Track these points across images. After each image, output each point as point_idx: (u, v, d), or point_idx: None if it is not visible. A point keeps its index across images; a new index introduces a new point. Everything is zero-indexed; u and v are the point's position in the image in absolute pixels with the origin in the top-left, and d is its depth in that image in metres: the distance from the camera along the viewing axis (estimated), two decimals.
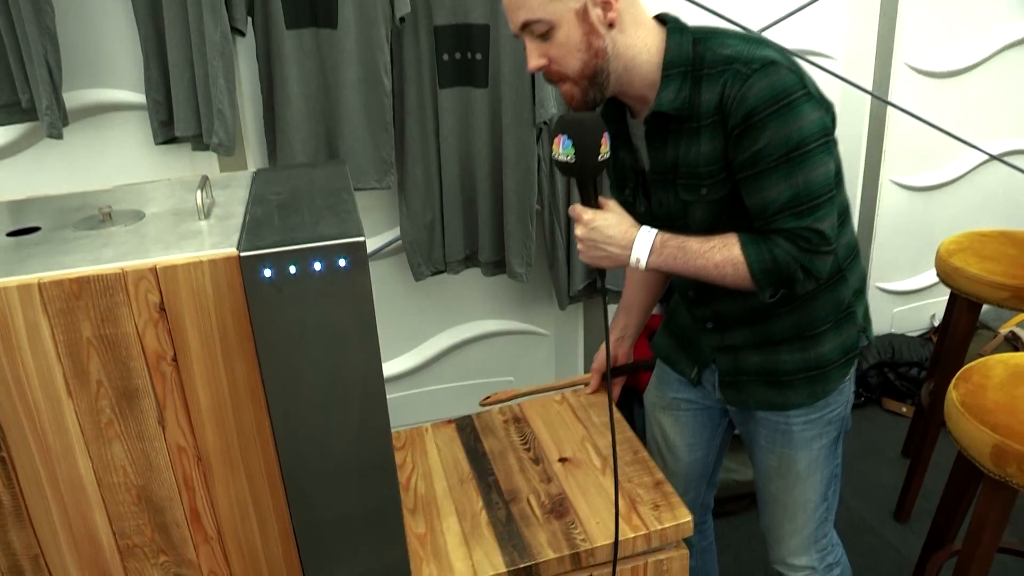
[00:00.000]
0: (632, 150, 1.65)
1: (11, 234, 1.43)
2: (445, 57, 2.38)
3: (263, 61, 2.31)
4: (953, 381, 1.87)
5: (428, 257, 2.58)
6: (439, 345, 2.88)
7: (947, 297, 2.66)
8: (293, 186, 1.52)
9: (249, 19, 2.27)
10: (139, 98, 2.38)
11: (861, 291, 1.74)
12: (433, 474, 1.88)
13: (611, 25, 1.46)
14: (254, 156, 2.46)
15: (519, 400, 2.13)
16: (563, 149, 1.45)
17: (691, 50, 1.49)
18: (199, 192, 1.40)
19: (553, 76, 1.50)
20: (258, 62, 2.32)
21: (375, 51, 2.28)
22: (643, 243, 1.50)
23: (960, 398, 1.81)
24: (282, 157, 2.35)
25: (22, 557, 1.37)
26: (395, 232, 2.63)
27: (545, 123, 2.42)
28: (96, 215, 1.47)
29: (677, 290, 1.81)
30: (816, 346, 1.67)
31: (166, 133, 2.35)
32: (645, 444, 1.99)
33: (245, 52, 2.33)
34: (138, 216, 1.46)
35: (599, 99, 1.52)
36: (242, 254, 1.20)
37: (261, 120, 2.39)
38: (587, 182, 1.51)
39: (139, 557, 1.41)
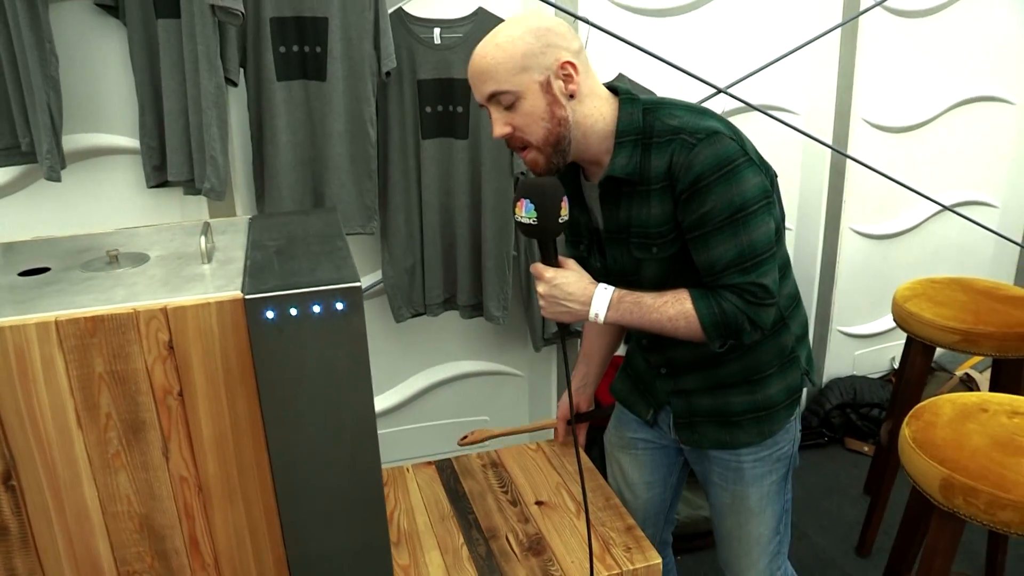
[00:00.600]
0: (587, 210, 1.75)
1: (23, 274, 1.52)
2: (428, 109, 2.50)
3: (254, 111, 2.41)
4: (906, 419, 1.99)
5: (408, 300, 2.68)
6: (417, 385, 2.97)
7: (904, 340, 2.79)
8: (289, 232, 1.61)
9: (241, 71, 2.37)
10: (132, 143, 2.46)
11: (803, 337, 1.85)
12: (415, 510, 1.96)
13: (571, 96, 1.57)
14: (242, 201, 2.56)
15: (493, 439, 2.22)
16: (526, 212, 1.55)
17: (641, 119, 1.60)
18: (202, 238, 1.50)
19: (517, 143, 1.60)
20: (249, 111, 2.42)
21: (362, 103, 2.40)
22: (601, 299, 1.61)
23: (912, 435, 1.92)
24: (270, 202, 2.45)
25: None
26: (377, 275, 2.72)
27: (523, 173, 2.54)
28: (103, 257, 1.55)
29: (633, 338, 1.94)
30: (763, 389, 1.78)
31: (158, 177, 2.44)
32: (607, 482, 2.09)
33: (236, 102, 2.43)
34: (143, 259, 1.54)
35: (561, 165, 1.63)
36: (246, 297, 1.29)
37: (250, 167, 2.49)
38: (548, 242, 1.62)
39: None
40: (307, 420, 1.36)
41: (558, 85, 1.56)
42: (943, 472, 1.79)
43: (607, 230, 1.69)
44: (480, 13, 2.47)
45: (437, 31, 2.46)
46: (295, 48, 2.37)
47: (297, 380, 1.33)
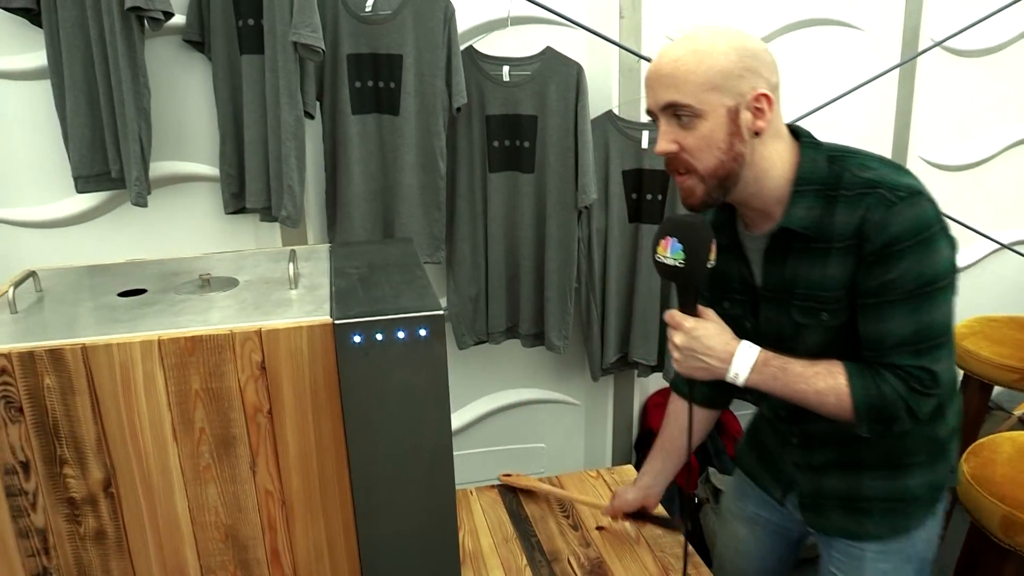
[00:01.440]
0: (744, 262, 1.57)
1: (122, 294, 1.62)
2: (495, 144, 2.58)
3: (328, 142, 2.51)
4: (964, 456, 2.01)
5: (472, 328, 2.75)
6: (477, 411, 3.03)
7: (961, 378, 2.80)
8: (369, 261, 1.70)
9: (318, 104, 2.48)
10: (212, 171, 2.58)
11: (957, 429, 1.65)
12: (479, 531, 2.02)
13: (757, 133, 1.40)
14: (314, 229, 2.66)
15: (531, 488, 2.21)
16: (671, 253, 1.41)
17: (827, 168, 1.44)
18: (291, 264, 1.59)
19: (679, 166, 1.43)
20: (324, 143, 2.52)
21: (432, 137, 2.49)
22: (744, 358, 1.44)
23: (971, 472, 1.95)
24: (341, 231, 2.54)
25: None
26: (442, 303, 2.81)
27: (586, 207, 2.61)
28: (196, 280, 1.65)
29: (764, 406, 1.74)
30: (904, 477, 1.58)
31: (236, 204, 2.55)
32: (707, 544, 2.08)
33: (311, 134, 2.54)
34: (233, 283, 1.64)
35: (718, 202, 1.45)
36: (336, 322, 1.37)
37: (323, 196, 2.59)
38: (690, 289, 1.46)
39: None
40: (387, 440, 1.43)
41: (746, 118, 1.39)
42: (1004, 509, 1.81)
43: (766, 287, 1.52)
44: (548, 52, 2.56)
45: (506, 69, 2.55)
46: (370, 83, 2.47)
47: (379, 402, 1.41)
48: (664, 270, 1.44)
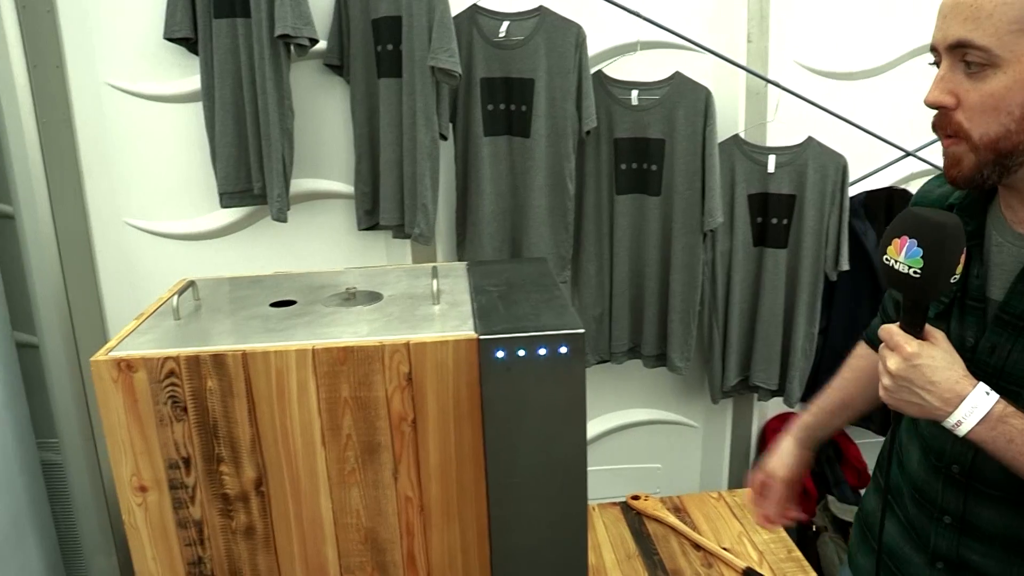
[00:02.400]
0: (979, 262, 1.24)
1: (273, 305, 1.72)
2: (623, 167, 2.62)
3: (460, 163, 2.59)
4: None
5: (595, 347, 2.79)
6: (596, 429, 3.06)
7: None
8: (508, 280, 1.75)
9: (451, 126, 2.57)
10: (346, 188, 2.69)
11: None
12: (602, 547, 2.05)
13: None
14: (443, 247, 2.74)
15: (660, 519, 2.20)
16: (906, 256, 1.11)
17: None
18: (434, 281, 1.66)
19: (948, 126, 1.14)
20: (456, 164, 2.60)
21: (562, 159, 2.54)
22: (977, 406, 1.09)
23: None
24: (470, 249, 2.61)
25: None
26: None
27: (712, 231, 2.62)
28: (342, 293, 1.74)
29: (918, 455, 1.33)
30: None
31: (368, 221, 2.65)
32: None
33: (444, 154, 2.62)
34: (377, 297, 1.72)
35: (989, 183, 1.15)
36: (480, 337, 1.43)
37: (452, 215, 2.67)
38: (922, 306, 1.14)
39: None
40: (525, 454, 1.48)
41: None
42: None
43: (1007, 309, 1.17)
44: (677, 77, 2.58)
45: (635, 93, 2.59)
46: (502, 106, 2.54)
47: (519, 416, 1.46)
48: (892, 276, 1.13)
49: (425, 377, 1.47)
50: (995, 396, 1.10)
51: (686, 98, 2.57)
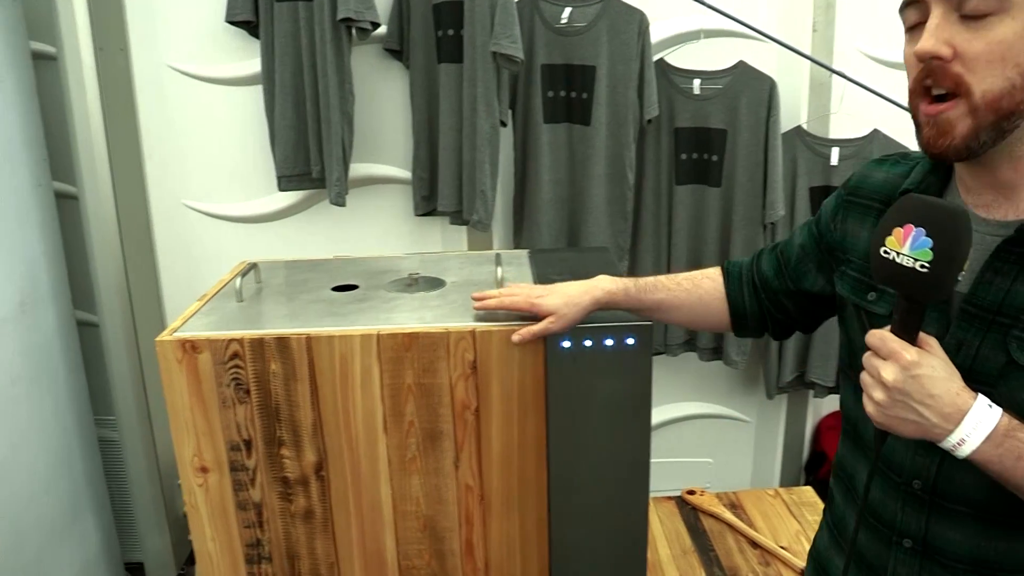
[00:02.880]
0: None
1: (335, 289, 1.71)
2: (683, 157, 2.58)
3: (519, 150, 2.57)
4: None
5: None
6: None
7: None
8: (571, 268, 1.73)
9: (510, 112, 2.55)
10: (404, 174, 2.68)
11: None
12: (657, 541, 2.03)
13: None
14: (499, 234, 2.72)
15: (716, 515, 2.18)
16: (912, 248, 0.94)
17: None
18: (498, 268, 1.64)
19: (942, 80, 0.97)
20: (515, 151, 2.58)
21: (622, 148, 2.51)
22: (981, 422, 0.94)
23: None
24: (527, 237, 2.60)
25: (321, 563, 1.61)
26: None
27: (772, 223, 2.58)
28: (405, 279, 1.73)
29: (872, 474, 1.10)
30: None
31: (426, 207, 2.64)
32: None
33: (502, 141, 2.60)
34: (440, 284, 1.70)
35: (979, 152, 0.99)
36: None
37: (510, 202, 2.65)
38: (921, 308, 0.97)
39: None
40: (588, 444, 1.46)
41: None
42: None
43: (972, 300, 1.03)
44: (740, 66, 2.54)
45: (697, 82, 2.55)
46: (562, 93, 2.51)
47: (584, 406, 1.44)
48: (890, 272, 0.96)
49: (490, 365, 1.45)
50: (998, 409, 0.95)
51: (750, 88, 2.52)
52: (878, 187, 1.18)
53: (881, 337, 0.98)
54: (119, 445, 2.74)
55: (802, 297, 1.34)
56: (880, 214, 1.11)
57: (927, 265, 0.92)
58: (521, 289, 1.48)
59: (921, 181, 1.11)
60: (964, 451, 0.94)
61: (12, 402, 2.25)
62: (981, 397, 0.95)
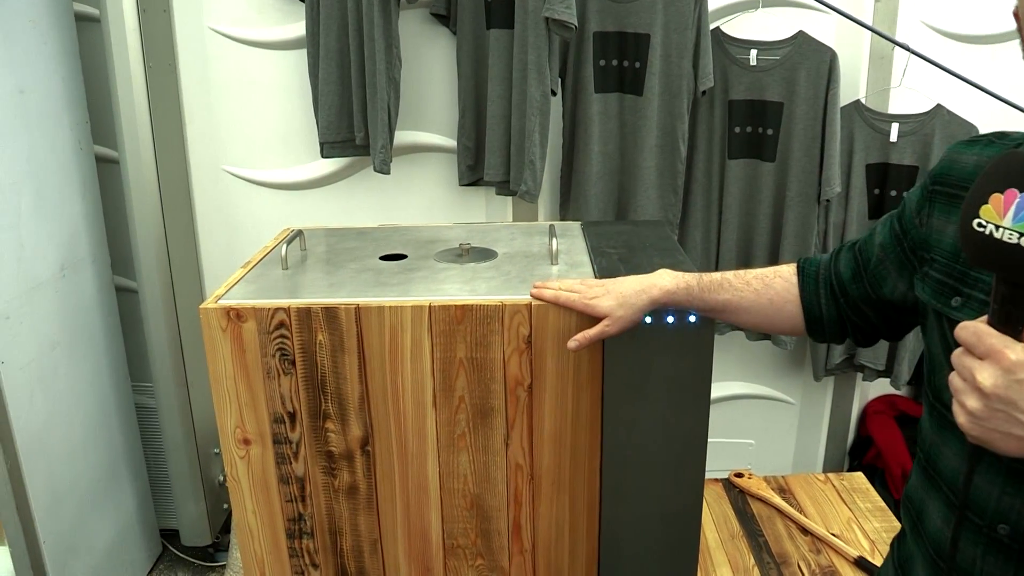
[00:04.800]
0: None
1: (383, 258, 1.66)
2: (737, 130, 2.50)
3: (568, 120, 2.50)
4: None
5: None
6: None
7: None
8: (626, 241, 1.67)
9: (560, 81, 2.47)
10: (449, 142, 2.62)
11: None
12: (705, 526, 1.97)
13: None
14: (545, 206, 2.66)
15: (765, 499, 2.10)
16: (1017, 219, 0.78)
17: None
18: (553, 240, 1.58)
19: None
20: (564, 120, 2.51)
21: (675, 120, 2.43)
22: None
23: None
24: (574, 209, 2.53)
25: (364, 540, 1.57)
26: None
27: (827, 200, 2.50)
28: (455, 249, 1.67)
29: (941, 512, 1.02)
30: None
31: (471, 176, 2.58)
32: None
33: (551, 111, 2.54)
34: (492, 255, 1.65)
35: None
36: None
37: (557, 173, 2.59)
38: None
39: (459, 557, 1.58)
40: (645, 424, 1.41)
41: None
42: None
43: None
44: (800, 36, 2.45)
45: (754, 52, 2.46)
46: (614, 62, 2.44)
47: (641, 385, 1.38)
48: (987, 248, 0.80)
49: (545, 341, 1.40)
50: None
51: (809, 59, 2.43)
52: (970, 173, 1.01)
53: (976, 331, 0.81)
54: (156, 411, 2.72)
55: (883, 304, 1.20)
56: None
57: None
58: (576, 285, 1.39)
59: None
60: None
61: (51, 367, 2.23)
62: None
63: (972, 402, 0.80)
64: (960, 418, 0.82)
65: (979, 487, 0.94)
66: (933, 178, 1.08)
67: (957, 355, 0.83)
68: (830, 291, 1.27)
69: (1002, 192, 0.78)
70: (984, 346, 0.79)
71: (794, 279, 1.32)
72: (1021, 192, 0.77)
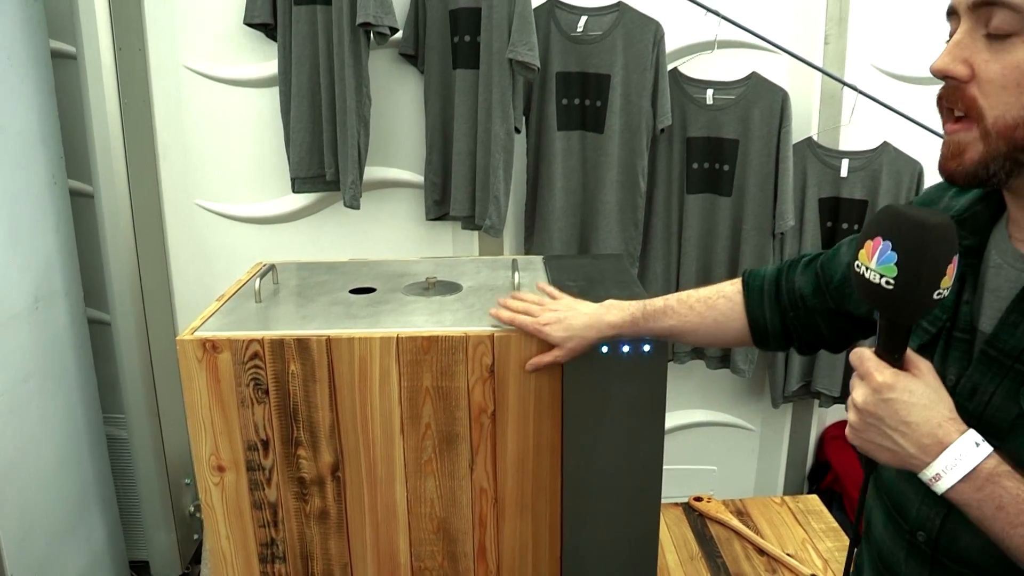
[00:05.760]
0: (970, 286, 1.00)
1: (353, 291, 1.73)
2: (695, 166, 2.60)
3: (532, 156, 2.59)
4: None
5: None
6: None
7: None
8: (587, 274, 1.75)
9: (524, 119, 2.56)
10: (415, 178, 2.69)
11: None
12: (664, 547, 2.04)
13: None
14: (510, 240, 2.74)
15: (723, 522, 2.18)
16: (878, 263, 0.87)
17: None
18: (515, 274, 1.66)
19: (960, 101, 0.90)
20: (528, 157, 2.60)
21: (635, 156, 2.53)
22: (962, 458, 0.86)
23: None
24: (538, 243, 2.61)
25: (335, 563, 1.62)
26: None
27: (782, 233, 2.60)
28: (422, 283, 1.74)
29: (883, 517, 1.11)
30: None
31: (437, 211, 2.65)
32: None
33: (515, 148, 2.62)
34: (457, 288, 1.72)
35: (987, 183, 0.92)
36: None
37: (522, 208, 2.67)
38: (899, 326, 0.90)
39: None
40: (603, 450, 1.48)
41: None
42: None
43: (995, 343, 0.94)
44: (754, 77, 2.56)
45: (710, 92, 2.57)
46: (576, 101, 2.53)
47: (599, 411, 1.45)
48: (863, 287, 0.90)
49: (508, 370, 1.47)
50: (987, 448, 0.86)
51: (762, 99, 2.54)
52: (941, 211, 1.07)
53: (859, 355, 0.92)
54: (127, 442, 2.75)
55: (841, 318, 1.28)
56: None
57: (892, 282, 0.86)
58: (532, 306, 1.48)
59: (967, 209, 1.01)
60: (941, 487, 0.86)
61: (23, 399, 2.26)
62: (970, 432, 0.86)
63: (851, 416, 0.92)
64: (847, 431, 0.94)
65: (907, 494, 1.03)
66: None
67: (852, 378, 0.94)
68: (776, 303, 1.35)
69: (872, 239, 0.87)
70: (862, 368, 0.91)
71: (738, 297, 1.39)
72: (883, 240, 0.86)
